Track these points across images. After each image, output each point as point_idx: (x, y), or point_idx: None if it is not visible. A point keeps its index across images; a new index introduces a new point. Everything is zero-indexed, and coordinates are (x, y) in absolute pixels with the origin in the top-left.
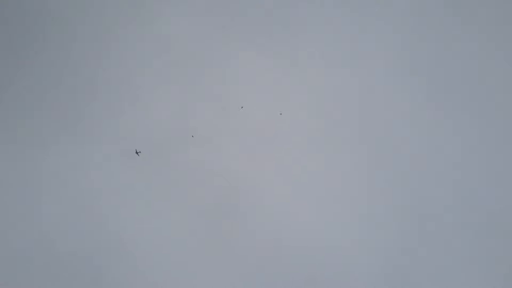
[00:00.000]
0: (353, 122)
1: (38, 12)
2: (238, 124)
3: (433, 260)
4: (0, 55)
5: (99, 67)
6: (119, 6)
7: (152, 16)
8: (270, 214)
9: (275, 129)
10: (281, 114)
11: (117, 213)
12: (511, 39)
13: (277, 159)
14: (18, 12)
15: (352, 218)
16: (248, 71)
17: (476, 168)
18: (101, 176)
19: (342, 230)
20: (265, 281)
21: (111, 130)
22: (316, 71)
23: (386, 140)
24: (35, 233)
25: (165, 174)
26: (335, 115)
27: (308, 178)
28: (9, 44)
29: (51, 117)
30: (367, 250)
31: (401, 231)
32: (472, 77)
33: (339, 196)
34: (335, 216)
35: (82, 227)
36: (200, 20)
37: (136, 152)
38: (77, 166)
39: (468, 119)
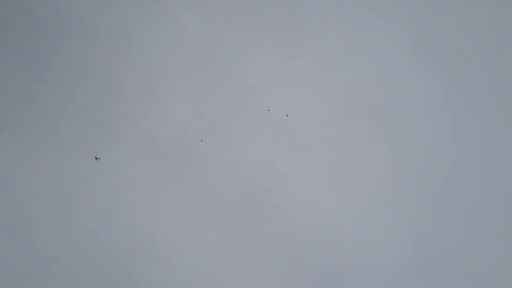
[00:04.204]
0: (387, 110)
1: (51, 17)
2: (267, 122)
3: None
4: (21, 63)
5: (120, 68)
6: (133, 6)
7: (168, 14)
8: (302, 208)
9: (305, 123)
10: (287, 115)
11: (149, 215)
12: None
13: (309, 153)
14: (30, 17)
15: (386, 210)
16: (275, 69)
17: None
18: (131, 178)
19: (377, 222)
20: (297, 275)
21: (139, 131)
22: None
23: (421, 124)
24: (68, 237)
25: (197, 174)
26: (367, 106)
27: (341, 170)
28: (30, 52)
29: (74, 121)
30: (400, 240)
31: (437, 225)
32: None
33: (373, 188)
34: (369, 208)
35: (114, 230)
36: (217, 19)
37: (96, 158)
38: (105, 168)
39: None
